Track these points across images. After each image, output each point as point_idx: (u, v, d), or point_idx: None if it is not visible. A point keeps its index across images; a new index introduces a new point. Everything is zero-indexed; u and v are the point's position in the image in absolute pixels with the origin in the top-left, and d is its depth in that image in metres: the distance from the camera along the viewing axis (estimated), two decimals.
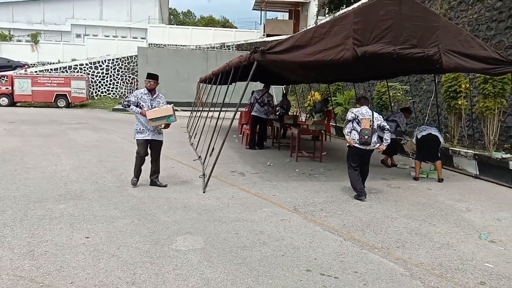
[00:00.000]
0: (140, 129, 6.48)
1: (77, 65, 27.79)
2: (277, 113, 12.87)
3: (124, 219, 5.00)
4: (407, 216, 5.60)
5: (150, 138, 6.49)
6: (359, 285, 3.55)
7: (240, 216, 5.28)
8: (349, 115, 6.38)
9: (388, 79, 12.29)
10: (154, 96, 6.52)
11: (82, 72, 27.53)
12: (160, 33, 35.58)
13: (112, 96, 28.34)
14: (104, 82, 28.31)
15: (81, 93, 24.77)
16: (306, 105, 19.43)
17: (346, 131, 6.48)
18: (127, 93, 28.43)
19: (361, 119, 6.25)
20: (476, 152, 8.84)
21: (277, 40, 6.93)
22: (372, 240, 4.65)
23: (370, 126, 6.21)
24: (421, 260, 4.15)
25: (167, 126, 6.54)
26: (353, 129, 6.34)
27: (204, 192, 6.33)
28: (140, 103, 6.41)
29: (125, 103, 6.51)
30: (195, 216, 5.21)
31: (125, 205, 5.58)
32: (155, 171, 6.74)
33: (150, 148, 6.59)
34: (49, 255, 3.90)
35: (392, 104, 13.01)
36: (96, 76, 28.11)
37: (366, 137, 6.17)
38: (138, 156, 6.54)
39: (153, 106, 6.42)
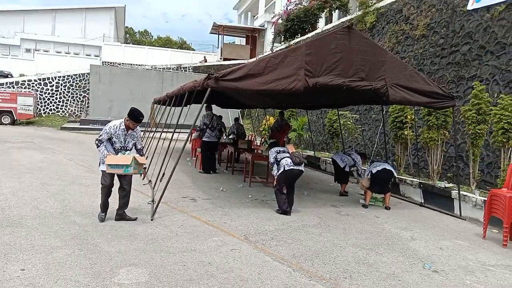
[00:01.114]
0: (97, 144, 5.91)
1: (25, 81, 26.61)
2: (230, 137, 12.90)
3: (64, 249, 4.73)
4: (355, 245, 5.68)
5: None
6: None
7: (188, 246, 5.15)
8: (271, 156, 7.32)
9: (339, 108, 12.69)
10: (129, 131, 5.93)
11: (30, 88, 26.38)
12: (114, 52, 34.93)
13: (61, 114, 27.29)
14: (53, 99, 27.25)
15: (28, 110, 23.65)
16: (261, 129, 19.61)
17: (274, 171, 7.26)
18: (77, 112, 27.52)
19: (281, 150, 7.34)
20: (421, 181, 9.22)
21: (233, 64, 6.98)
22: (321, 270, 4.66)
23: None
24: None
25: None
26: (277, 162, 7.19)
27: (152, 219, 6.14)
28: (113, 139, 5.87)
29: (96, 142, 5.88)
30: (141, 246, 5.02)
31: (67, 233, 5.30)
32: (124, 203, 6.06)
33: (119, 178, 6.01)
34: None
35: (343, 132, 13.38)
36: (45, 93, 27.02)
37: (297, 159, 7.05)
38: (104, 187, 5.88)
39: (126, 142, 5.94)
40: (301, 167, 7.15)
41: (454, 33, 11.20)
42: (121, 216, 6.04)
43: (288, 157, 7.15)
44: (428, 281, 4.60)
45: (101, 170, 5.93)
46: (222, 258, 4.81)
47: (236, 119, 14.26)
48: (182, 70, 30.32)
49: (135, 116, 5.81)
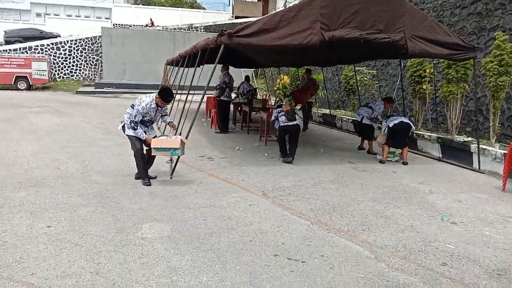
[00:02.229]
0: (131, 124, 5.79)
1: (38, 46, 26.60)
2: (243, 97, 12.71)
3: (87, 207, 4.86)
4: (372, 199, 5.71)
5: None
6: (326, 268, 3.60)
7: (208, 202, 5.24)
8: (273, 115, 8.21)
9: (355, 63, 12.41)
10: (159, 108, 5.91)
11: (43, 53, 26.41)
12: (125, 13, 34.46)
13: (75, 78, 27.39)
14: (67, 64, 27.30)
15: (43, 75, 23.78)
16: (275, 88, 19.41)
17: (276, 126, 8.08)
18: (91, 76, 27.57)
19: (281, 110, 8.02)
20: (439, 136, 9.10)
21: (245, 22, 6.84)
22: (339, 223, 4.72)
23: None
24: (386, 242, 4.24)
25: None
26: (277, 120, 7.97)
27: (171, 178, 6.23)
28: (145, 117, 5.82)
29: (132, 125, 5.74)
30: (162, 202, 5.12)
31: (89, 192, 5.43)
32: (148, 162, 6.09)
33: (145, 145, 5.95)
34: (8, 246, 3.74)
35: (360, 88, 13.16)
36: (59, 57, 27.04)
37: (289, 116, 7.79)
38: (137, 151, 5.86)
39: (155, 116, 5.92)
40: (295, 122, 7.80)
41: None
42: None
43: (284, 114, 7.82)
44: (447, 232, 4.62)
45: (128, 135, 5.89)
46: (241, 212, 4.89)
47: (246, 78, 13.99)
48: (193, 30, 29.85)
49: (165, 96, 5.79)
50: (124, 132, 5.96)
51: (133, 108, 5.78)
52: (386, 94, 13.77)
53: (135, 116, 5.75)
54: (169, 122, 6.22)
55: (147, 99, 5.78)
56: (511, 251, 4.18)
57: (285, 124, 7.78)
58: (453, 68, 8.88)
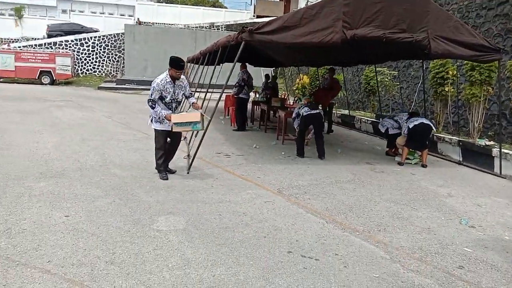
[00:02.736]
0: (160, 118, 5.76)
1: (62, 42, 27.15)
2: (261, 96, 12.80)
3: (105, 198, 4.93)
4: (389, 200, 5.63)
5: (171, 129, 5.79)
6: (339, 267, 3.57)
7: (223, 197, 5.26)
8: (294, 112, 8.49)
9: (377, 64, 12.27)
10: (177, 82, 5.80)
11: (67, 48, 26.92)
12: (148, 11, 34.87)
13: (98, 74, 27.85)
14: (90, 60, 27.77)
15: (66, 70, 24.25)
16: (294, 88, 19.35)
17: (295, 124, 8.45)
18: (113, 72, 27.97)
19: (302, 105, 8.47)
20: (460, 139, 8.92)
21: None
22: (354, 223, 4.67)
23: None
24: (402, 243, 4.18)
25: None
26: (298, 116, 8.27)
27: (188, 173, 6.27)
28: (163, 93, 5.71)
29: (150, 103, 5.69)
30: (178, 196, 5.16)
31: (107, 184, 5.51)
32: (169, 155, 6.16)
33: (170, 137, 5.97)
34: (26, 234, 3.83)
35: (380, 89, 13.01)
36: (82, 53, 27.53)
37: (312, 105, 8.30)
38: (158, 150, 5.93)
39: (176, 93, 5.82)
40: (317, 110, 8.11)
41: None
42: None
43: (305, 106, 8.21)
44: (465, 235, 4.53)
45: (155, 129, 5.89)
46: (256, 209, 4.89)
47: (266, 76, 14.01)
48: (214, 29, 30.01)
49: (176, 62, 5.68)
50: (151, 126, 5.96)
51: None
52: (407, 95, 13.58)
53: (151, 94, 5.69)
54: (193, 103, 6.12)
55: (161, 75, 5.76)
56: None
57: (308, 113, 7.94)
58: (477, 70, 8.68)
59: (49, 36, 28.19)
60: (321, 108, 11.33)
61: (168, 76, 5.73)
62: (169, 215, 4.50)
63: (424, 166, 7.91)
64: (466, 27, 7.37)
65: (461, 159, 8.67)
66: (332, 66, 12.68)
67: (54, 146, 7.64)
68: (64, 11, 38.44)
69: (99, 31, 29.19)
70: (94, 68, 27.93)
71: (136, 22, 30.33)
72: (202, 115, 5.81)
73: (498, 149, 7.76)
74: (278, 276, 3.33)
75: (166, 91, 5.73)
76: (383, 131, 8.84)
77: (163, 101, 5.78)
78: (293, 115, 8.37)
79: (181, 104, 6.20)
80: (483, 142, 8.42)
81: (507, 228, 4.85)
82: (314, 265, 3.58)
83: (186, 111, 5.98)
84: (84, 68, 27.74)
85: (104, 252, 3.55)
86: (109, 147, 7.84)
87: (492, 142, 8.53)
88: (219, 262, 3.50)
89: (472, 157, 8.44)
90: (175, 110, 5.93)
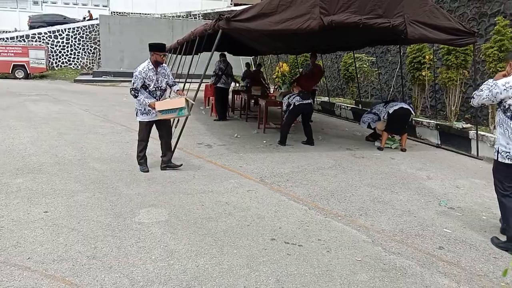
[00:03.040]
0: (145, 109, 5.66)
1: (35, 34, 26.40)
2: (242, 85, 12.73)
3: (85, 193, 4.85)
4: (370, 184, 5.71)
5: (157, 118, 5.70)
6: (323, 252, 3.60)
7: (206, 187, 5.23)
8: (284, 103, 8.34)
9: (355, 50, 12.33)
10: (159, 69, 5.68)
11: (41, 41, 26.21)
12: (123, 1, 34.12)
13: (73, 66, 27.24)
14: (64, 52, 27.11)
15: (41, 63, 23.62)
16: (274, 76, 19.33)
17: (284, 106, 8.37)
18: (89, 64, 27.40)
19: (291, 95, 8.33)
20: (438, 122, 9.07)
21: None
22: (336, 208, 4.72)
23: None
24: (383, 227, 4.25)
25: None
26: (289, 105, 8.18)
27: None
28: (146, 82, 5.59)
29: (133, 92, 5.56)
30: (160, 188, 5.12)
31: (86, 178, 5.42)
32: (168, 148, 5.99)
33: (157, 125, 5.86)
34: (4, 231, 3.74)
35: (359, 76, 13.09)
36: (56, 45, 26.85)
37: (304, 95, 8.10)
38: (141, 143, 5.83)
39: (159, 81, 5.69)
40: (309, 100, 8.11)
41: None
42: (166, 163, 5.98)
43: (297, 95, 8.07)
44: (444, 217, 4.62)
45: (139, 122, 5.79)
46: (239, 198, 4.89)
47: (247, 65, 13.95)
48: (192, 18, 29.65)
49: (157, 45, 5.59)
50: (136, 119, 5.85)
51: None
52: (386, 81, 13.71)
53: (133, 82, 5.57)
54: (177, 90, 5.99)
55: (143, 64, 5.64)
56: None
57: (301, 102, 7.96)
58: (453, 54, 8.83)
59: (31, 28, 27.45)
60: None
61: (150, 63, 5.61)
62: (151, 207, 4.45)
63: (403, 150, 8.03)
64: (442, 11, 7.44)
65: (439, 142, 8.83)
66: (315, 51, 12.49)
67: (30, 141, 7.46)
68: (35, 3, 37.24)
69: (82, 21, 28.46)
70: (69, 60, 27.30)
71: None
72: (186, 100, 5.67)
73: (475, 132, 7.92)
74: (262, 264, 3.34)
75: (149, 78, 5.60)
76: (366, 127, 8.84)
77: (147, 90, 5.65)
78: (284, 106, 8.36)
79: (165, 93, 6.10)
80: (460, 125, 8.59)
81: (484, 208, 4.97)
82: (298, 251, 3.60)
83: (170, 97, 5.82)
84: (59, 61, 27.08)
85: (85, 246, 3.50)
86: (87, 141, 7.71)
87: (468, 125, 8.71)
88: (202, 252, 3.49)
89: (449, 140, 8.60)
90: (159, 98, 5.79)
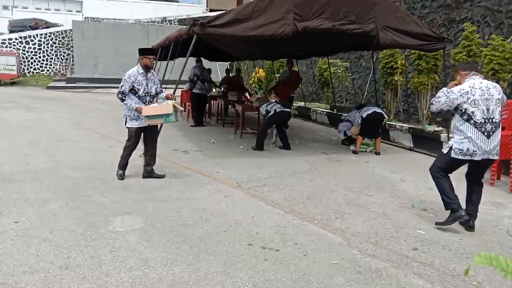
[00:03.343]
0: (135, 114, 5.53)
1: (5, 40, 25.70)
2: (219, 90, 12.72)
3: (57, 201, 4.74)
4: (345, 188, 5.78)
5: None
6: (299, 256, 3.62)
7: (182, 194, 5.19)
8: (263, 111, 8.49)
9: (329, 55, 12.50)
10: (149, 75, 5.62)
11: (11, 47, 25.53)
12: (97, 6, 33.66)
13: (46, 73, 26.61)
14: (36, 58, 26.45)
15: (12, 69, 22.94)
16: (250, 82, 19.38)
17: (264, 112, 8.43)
18: (63, 70, 26.86)
19: (269, 103, 8.56)
20: (410, 126, 9.26)
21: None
22: (312, 212, 4.75)
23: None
24: (358, 229, 4.30)
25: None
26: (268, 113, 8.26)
27: None
28: (135, 86, 5.48)
29: (120, 96, 5.46)
30: (135, 196, 5.05)
31: (59, 186, 5.30)
32: (150, 159, 5.85)
33: (144, 133, 5.74)
34: None
35: (334, 81, 13.27)
36: (28, 51, 26.19)
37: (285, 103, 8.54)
38: (128, 147, 5.69)
39: (149, 87, 5.58)
40: (289, 109, 8.37)
41: None
42: (149, 173, 5.85)
43: (277, 103, 8.22)
44: (417, 219, 4.72)
45: (128, 128, 5.65)
46: (216, 204, 4.87)
47: (227, 71, 13.95)
48: (167, 23, 29.43)
49: (146, 49, 5.63)
50: (126, 125, 5.69)
51: None
52: (360, 86, 13.94)
53: (121, 86, 5.45)
54: (166, 95, 5.90)
55: (132, 68, 5.56)
56: (478, 235, 4.31)
57: (282, 110, 8.12)
58: (424, 59, 9.04)
59: (11, 32, 26.75)
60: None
61: (140, 67, 5.53)
62: (125, 215, 4.39)
63: (377, 153, 8.17)
64: (412, 17, 7.64)
65: (412, 145, 9.01)
66: (290, 58, 12.22)
67: (1, 150, 7.25)
68: (5, 7, 36.27)
69: (63, 25, 27.87)
70: (42, 67, 26.65)
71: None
72: (174, 106, 5.59)
73: (446, 135, 8.12)
74: (239, 270, 3.33)
75: (139, 83, 5.50)
76: (343, 136, 8.91)
77: (136, 95, 5.53)
78: (263, 112, 8.42)
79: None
80: (432, 128, 8.80)
81: None
82: (275, 255, 3.61)
83: (157, 103, 5.71)
84: (31, 67, 26.40)
85: (57, 257, 3.42)
86: (60, 148, 7.55)
87: (440, 128, 8.93)
88: (179, 260, 3.46)
89: (422, 143, 8.79)
90: (148, 104, 5.66)
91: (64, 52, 26.91)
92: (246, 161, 7.11)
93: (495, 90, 4.23)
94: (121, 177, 5.72)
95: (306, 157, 7.69)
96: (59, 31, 26.63)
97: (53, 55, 26.76)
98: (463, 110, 4.19)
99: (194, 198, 5.06)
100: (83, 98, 17.83)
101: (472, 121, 4.15)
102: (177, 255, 3.53)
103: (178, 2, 40.29)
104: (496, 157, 4.29)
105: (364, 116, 8.00)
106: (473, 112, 4.14)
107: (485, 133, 4.14)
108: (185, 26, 7.20)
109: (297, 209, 4.84)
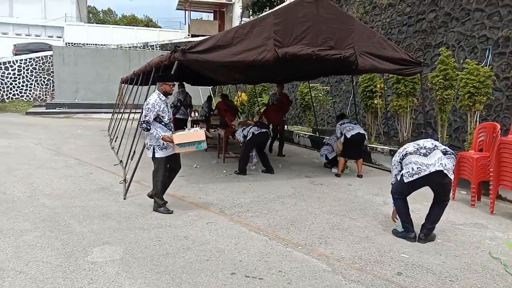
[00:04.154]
0: (163, 143, 5.31)
1: None
2: (201, 115, 12.77)
3: (34, 232, 4.60)
4: (329, 212, 5.76)
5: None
6: (283, 284, 3.56)
7: (163, 222, 5.10)
8: (240, 136, 8.39)
9: (310, 80, 12.68)
10: (167, 101, 5.52)
11: None
12: (78, 32, 33.66)
13: (25, 98, 26.28)
14: (16, 84, 26.15)
15: None
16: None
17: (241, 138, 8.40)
18: (43, 96, 26.55)
19: (245, 128, 8.42)
20: (391, 148, 9.38)
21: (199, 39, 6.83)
22: (296, 237, 4.71)
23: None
24: (343, 254, 4.27)
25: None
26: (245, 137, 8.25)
27: (125, 198, 6.03)
28: (160, 115, 5.29)
29: (144, 125, 5.21)
30: (114, 224, 4.93)
31: (36, 216, 5.15)
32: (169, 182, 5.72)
33: (172, 161, 5.55)
34: None
35: (315, 104, 13.42)
36: (7, 77, 25.89)
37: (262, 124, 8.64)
38: (162, 183, 5.45)
39: (170, 112, 5.49)
40: (265, 129, 8.35)
41: (420, 1, 11.27)
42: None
43: (254, 126, 8.29)
44: (401, 242, 4.71)
45: (157, 158, 5.37)
46: (198, 231, 4.79)
47: (209, 98, 14.02)
48: (149, 49, 29.58)
49: (164, 76, 5.55)
50: (154, 156, 5.41)
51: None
52: (341, 109, 14.12)
53: (146, 115, 5.20)
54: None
55: (153, 96, 5.34)
56: (461, 257, 4.32)
57: (259, 131, 8.11)
58: (402, 83, 9.25)
59: (16, 55, 26.71)
60: (272, 129, 10.29)
61: (161, 94, 5.41)
62: (104, 245, 4.27)
63: (359, 176, 8.21)
64: (389, 42, 7.84)
65: None
66: (281, 79, 11.70)
67: None
68: None
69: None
70: (21, 92, 26.32)
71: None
72: (205, 133, 5.53)
73: None
74: None
75: (163, 111, 5.32)
76: (325, 160, 8.95)
77: (162, 123, 5.37)
78: (240, 138, 8.36)
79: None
80: None
81: (439, 232, 5.11)
82: (259, 284, 3.54)
83: (186, 130, 5.56)
84: (10, 93, 26.06)
85: None
86: (38, 176, 7.38)
87: None
88: None
89: None
90: (174, 131, 5.52)
91: (45, 78, 26.70)
92: (229, 186, 7.06)
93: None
94: (170, 212, 5.42)
95: (289, 180, 7.68)
96: (39, 57, 26.50)
97: (33, 80, 26.53)
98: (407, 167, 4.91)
99: (176, 226, 4.96)
100: (63, 124, 17.62)
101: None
102: (157, 286, 3.43)
103: (160, 27, 40.67)
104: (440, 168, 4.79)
105: (348, 136, 8.02)
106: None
107: (422, 154, 4.88)
108: (167, 52, 7.21)
109: (280, 234, 4.79)
